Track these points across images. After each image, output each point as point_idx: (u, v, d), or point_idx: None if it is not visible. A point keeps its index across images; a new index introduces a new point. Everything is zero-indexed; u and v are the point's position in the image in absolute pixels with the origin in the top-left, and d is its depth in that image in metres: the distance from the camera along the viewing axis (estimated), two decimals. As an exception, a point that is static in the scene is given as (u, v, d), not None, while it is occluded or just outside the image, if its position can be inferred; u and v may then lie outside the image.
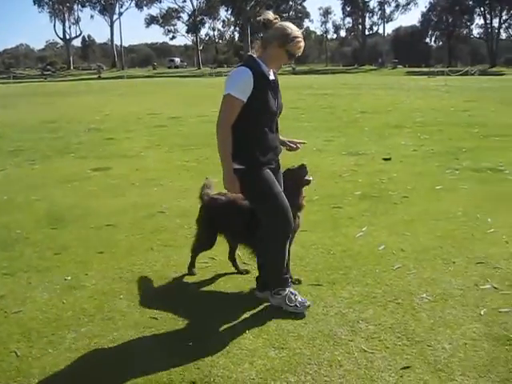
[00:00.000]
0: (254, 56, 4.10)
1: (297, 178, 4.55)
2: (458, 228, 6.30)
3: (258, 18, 4.16)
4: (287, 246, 4.33)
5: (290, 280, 4.49)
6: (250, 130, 4.07)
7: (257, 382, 3.43)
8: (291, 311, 4.27)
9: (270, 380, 3.44)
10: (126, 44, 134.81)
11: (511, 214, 6.82)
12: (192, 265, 5.13)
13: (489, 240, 5.88)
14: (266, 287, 4.49)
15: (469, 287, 4.72)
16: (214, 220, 4.86)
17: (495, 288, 4.69)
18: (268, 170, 4.16)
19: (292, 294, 4.34)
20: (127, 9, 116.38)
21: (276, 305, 4.36)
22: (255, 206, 4.30)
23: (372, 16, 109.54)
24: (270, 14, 4.06)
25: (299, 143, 4.57)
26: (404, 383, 3.39)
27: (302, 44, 4.05)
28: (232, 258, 5.17)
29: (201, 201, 5.02)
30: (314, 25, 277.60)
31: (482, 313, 4.24)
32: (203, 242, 5.05)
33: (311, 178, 4.64)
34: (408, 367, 3.55)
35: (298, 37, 3.98)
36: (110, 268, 5.32)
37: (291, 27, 4.01)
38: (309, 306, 4.31)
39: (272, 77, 4.14)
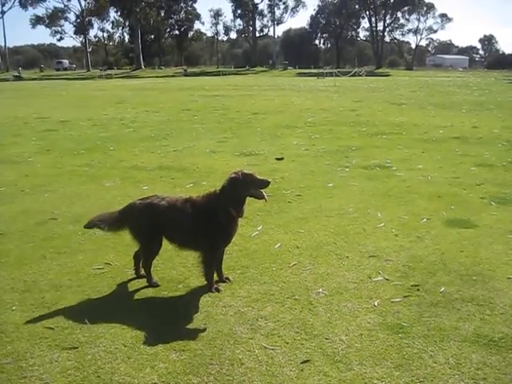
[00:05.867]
0: None
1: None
2: (350, 224, 6.50)
3: None
4: None
5: None
6: None
7: (159, 386, 3.40)
8: None
9: (173, 383, 3.42)
10: (10, 45, 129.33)
11: (399, 208, 7.12)
12: (150, 277, 4.89)
13: (379, 234, 6.11)
14: None
15: (362, 280, 4.89)
16: (158, 224, 4.70)
17: (387, 279, 4.88)
18: None
19: None
20: (11, 8, 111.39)
21: None
22: None
23: (262, 18, 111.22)
24: None
25: None
26: (304, 376, 3.46)
27: None
28: (137, 258, 5.02)
29: (131, 209, 4.80)
30: (205, 26, 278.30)
31: (376, 304, 4.41)
32: (150, 249, 4.85)
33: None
34: (308, 361, 3.63)
35: None
36: (0, 279, 5.08)
37: None
38: None
39: None
